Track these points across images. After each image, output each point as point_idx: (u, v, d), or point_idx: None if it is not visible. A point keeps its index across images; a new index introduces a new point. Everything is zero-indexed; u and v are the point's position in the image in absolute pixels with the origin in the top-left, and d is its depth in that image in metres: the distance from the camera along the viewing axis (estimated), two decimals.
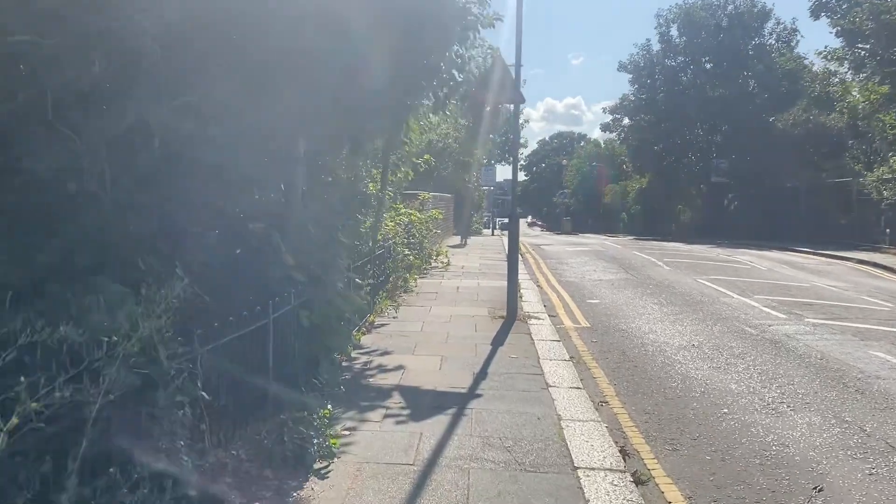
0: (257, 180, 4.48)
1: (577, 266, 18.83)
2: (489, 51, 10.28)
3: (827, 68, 36.19)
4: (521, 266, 17.51)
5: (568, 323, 10.45)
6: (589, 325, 10.29)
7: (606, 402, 6.61)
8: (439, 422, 5.58)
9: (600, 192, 71.49)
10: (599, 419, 5.81)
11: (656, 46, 42.96)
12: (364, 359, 7.64)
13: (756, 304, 11.94)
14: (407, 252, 13.01)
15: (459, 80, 7.03)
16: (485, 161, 41.66)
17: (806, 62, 37.71)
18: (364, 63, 4.27)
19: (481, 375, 7.06)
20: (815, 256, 22.78)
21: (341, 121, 4.92)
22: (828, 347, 8.69)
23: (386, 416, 5.75)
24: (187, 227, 4.90)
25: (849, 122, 29.38)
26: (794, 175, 30.09)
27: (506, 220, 58.86)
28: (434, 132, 31.04)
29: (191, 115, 3.23)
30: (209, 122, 3.40)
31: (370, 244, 10.66)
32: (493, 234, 40.09)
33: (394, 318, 10.04)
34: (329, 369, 6.59)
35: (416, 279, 13.19)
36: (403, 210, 14.18)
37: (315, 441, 4.66)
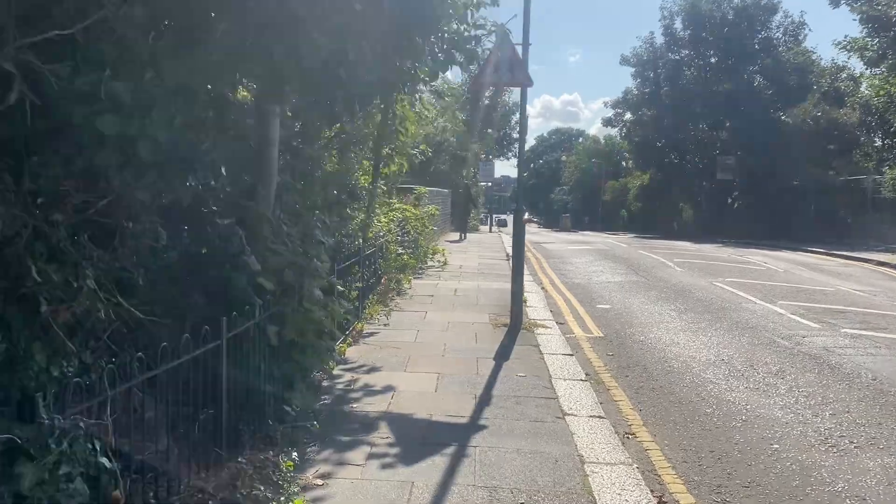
0: (194, 161, 3.41)
1: (582, 266, 17.78)
2: (493, 28, 9.21)
3: (835, 62, 35.20)
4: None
5: (579, 332, 9.41)
6: (602, 335, 9.25)
7: (633, 434, 5.57)
8: (435, 465, 4.53)
9: (599, 189, 70.51)
10: (630, 460, 4.77)
11: (660, 39, 41.92)
12: (348, 377, 6.58)
13: (782, 311, 10.91)
14: (400, 251, 11.95)
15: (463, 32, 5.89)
16: (482, 156, 40.71)
17: (814, 57, 36.68)
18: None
19: (485, 399, 6.01)
20: (829, 257, 21.77)
21: (309, 85, 3.89)
22: (877, 365, 7.66)
23: (370, 456, 4.69)
24: (118, 219, 3.84)
25: (860, 117, 28.36)
26: (804, 172, 29.06)
27: (502, 217, 57.80)
28: (431, 125, 29.98)
29: (66, 58, 2.19)
30: (107, 71, 2.36)
31: (359, 242, 9.61)
32: (490, 231, 39.03)
33: (385, 325, 8.98)
34: (304, 394, 5.54)
35: (410, 280, 12.14)
36: (398, 205, 13.11)
37: None
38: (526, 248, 22.60)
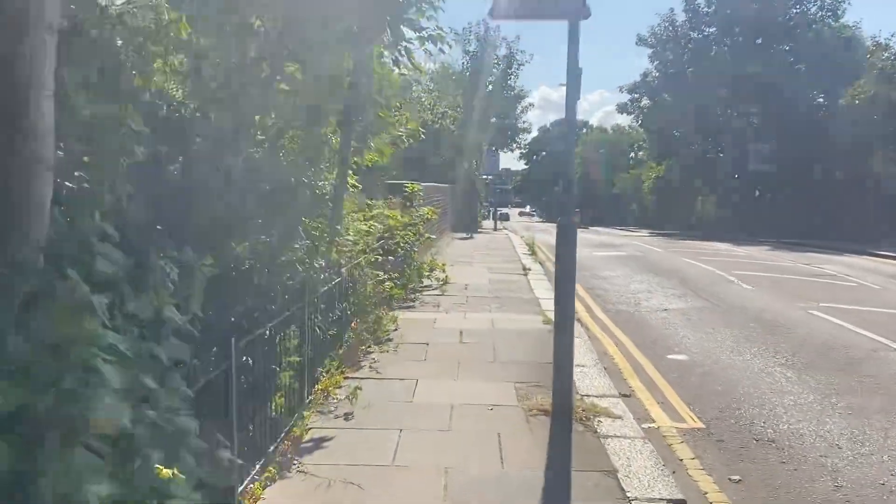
0: None
1: (620, 282, 14.07)
2: None
3: (877, 41, 31.47)
4: (544, 280, 12.91)
5: (663, 419, 5.82)
6: (703, 426, 5.67)
7: None
8: None
9: (608, 182, 67.24)
10: None
11: (681, 17, 38.06)
12: None
13: None
14: (381, 276, 8.33)
15: None
16: (485, 147, 37.14)
17: (856, 33, 32.82)
18: None
19: None
20: None
21: None
22: None
23: None
24: None
25: None
26: (858, 161, 25.34)
27: (504, 211, 54.14)
28: (429, 112, 26.33)
29: None
30: None
31: (316, 272, 6.00)
32: (495, 229, 35.35)
33: (347, 417, 5.40)
34: None
35: (395, 319, 8.53)
36: (379, 209, 9.48)
37: None
38: (541, 252, 19.02)
